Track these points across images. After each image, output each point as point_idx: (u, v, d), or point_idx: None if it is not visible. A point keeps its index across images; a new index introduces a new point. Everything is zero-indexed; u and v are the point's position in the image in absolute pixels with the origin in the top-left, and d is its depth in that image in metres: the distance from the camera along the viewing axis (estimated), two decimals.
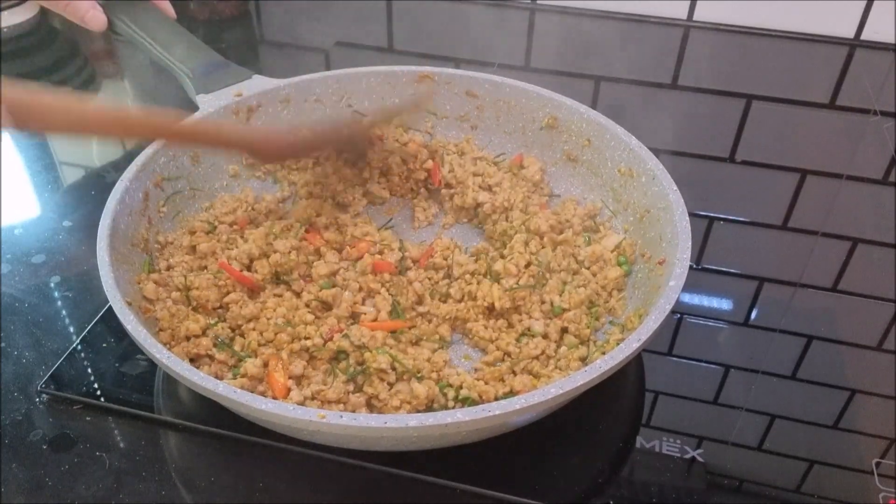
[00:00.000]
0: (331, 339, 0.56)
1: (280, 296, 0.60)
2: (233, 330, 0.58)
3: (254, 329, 0.57)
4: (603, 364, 0.47)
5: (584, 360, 0.57)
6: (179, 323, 0.57)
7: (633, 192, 0.67)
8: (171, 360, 0.48)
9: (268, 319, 0.57)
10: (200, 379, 0.46)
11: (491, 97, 0.76)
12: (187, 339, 0.56)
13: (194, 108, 0.71)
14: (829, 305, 0.68)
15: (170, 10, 0.81)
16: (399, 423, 0.44)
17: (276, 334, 0.56)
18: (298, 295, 0.61)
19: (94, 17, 0.79)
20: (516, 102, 0.75)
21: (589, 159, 0.72)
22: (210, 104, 0.71)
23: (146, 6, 0.79)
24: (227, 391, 0.46)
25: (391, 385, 0.54)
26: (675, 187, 0.61)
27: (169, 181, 0.66)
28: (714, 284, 0.70)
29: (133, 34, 0.78)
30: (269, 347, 0.56)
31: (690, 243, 0.56)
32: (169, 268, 0.63)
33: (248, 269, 0.63)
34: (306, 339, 0.56)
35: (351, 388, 0.54)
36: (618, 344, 0.49)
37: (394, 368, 0.54)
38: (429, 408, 0.53)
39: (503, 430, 0.51)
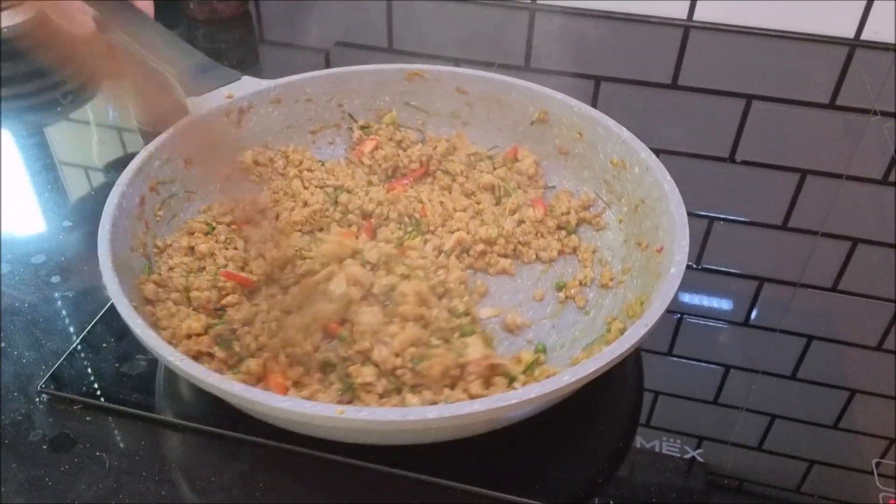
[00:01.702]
0: (317, 350, 0.56)
1: (274, 296, 0.60)
2: (232, 332, 0.58)
3: (249, 332, 0.57)
4: (619, 346, 0.47)
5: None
6: (180, 322, 0.57)
7: (626, 183, 0.67)
8: (184, 363, 0.47)
9: (262, 323, 0.57)
10: (217, 381, 0.46)
11: (481, 93, 0.76)
12: (188, 337, 0.56)
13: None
14: (829, 305, 0.68)
15: (148, 8, 0.78)
16: (418, 416, 0.44)
17: (269, 339, 0.56)
18: (286, 291, 0.60)
19: (83, 21, 0.77)
20: (506, 98, 0.75)
21: (581, 152, 0.72)
22: (201, 106, 0.70)
23: (125, 6, 0.74)
24: (243, 391, 0.45)
25: (381, 396, 0.53)
26: (669, 177, 0.61)
27: (163, 184, 0.66)
28: (714, 284, 0.69)
29: (119, 38, 0.77)
30: (265, 351, 0.56)
31: (688, 230, 0.56)
32: (170, 269, 0.63)
33: (243, 269, 0.63)
34: (295, 346, 0.55)
35: (347, 398, 0.53)
36: (621, 333, 0.49)
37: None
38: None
39: (523, 417, 0.51)
